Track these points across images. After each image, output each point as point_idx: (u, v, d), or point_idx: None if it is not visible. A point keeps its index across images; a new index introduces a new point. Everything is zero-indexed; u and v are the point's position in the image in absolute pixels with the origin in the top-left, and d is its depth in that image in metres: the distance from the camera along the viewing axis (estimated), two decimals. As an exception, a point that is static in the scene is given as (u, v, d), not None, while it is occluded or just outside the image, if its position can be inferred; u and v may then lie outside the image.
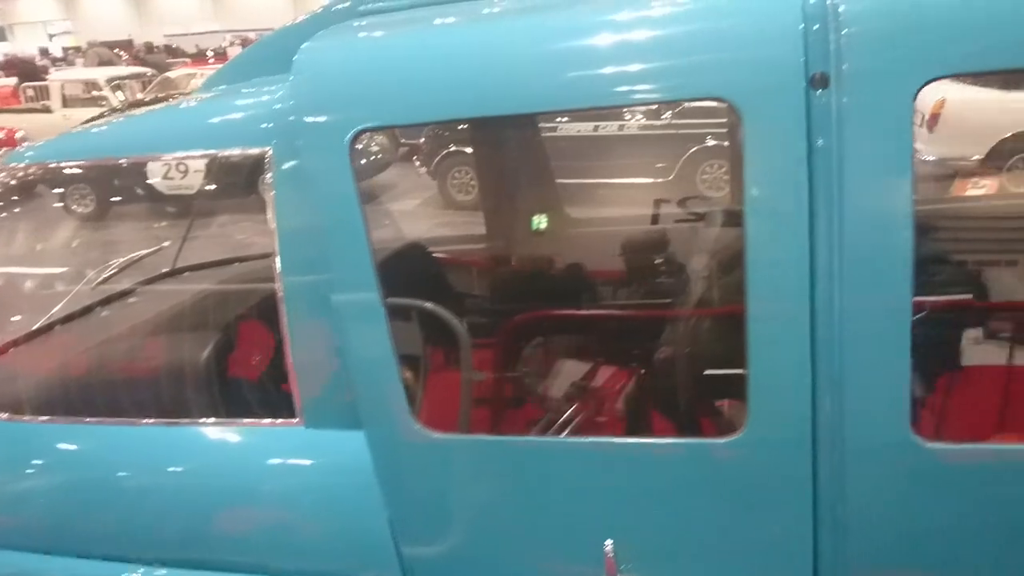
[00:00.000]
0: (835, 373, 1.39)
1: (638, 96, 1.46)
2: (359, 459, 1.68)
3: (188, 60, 24.02)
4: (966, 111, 7.19)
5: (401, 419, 1.60)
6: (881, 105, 1.32)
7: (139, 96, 12.40)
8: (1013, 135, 7.06)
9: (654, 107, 7.42)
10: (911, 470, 1.40)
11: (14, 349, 2.40)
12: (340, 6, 1.88)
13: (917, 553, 1.47)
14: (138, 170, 9.02)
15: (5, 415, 2.00)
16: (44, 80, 14.59)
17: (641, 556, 1.56)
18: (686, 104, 7.00)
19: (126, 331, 2.53)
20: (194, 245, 3.20)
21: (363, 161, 9.50)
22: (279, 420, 1.79)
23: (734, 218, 2.14)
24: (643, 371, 2.06)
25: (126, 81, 12.91)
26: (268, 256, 1.73)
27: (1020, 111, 6.98)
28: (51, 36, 38.58)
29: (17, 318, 2.73)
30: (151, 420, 1.89)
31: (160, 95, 11.40)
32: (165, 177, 9.28)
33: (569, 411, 1.96)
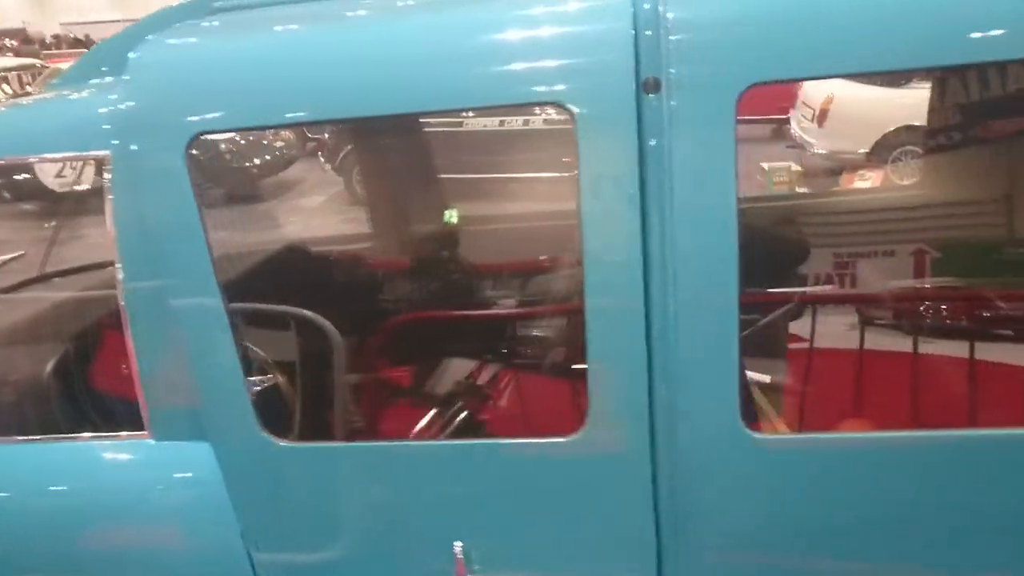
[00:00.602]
0: (670, 368, 1.43)
1: (477, 100, 1.46)
2: (209, 471, 1.65)
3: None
4: (853, 107, 7.53)
5: (246, 429, 1.57)
6: (707, 108, 1.35)
7: (28, 89, 11.79)
8: (896, 129, 7.41)
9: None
10: (742, 461, 1.45)
11: None
12: (189, 3, 1.82)
13: (753, 540, 1.52)
14: (27, 169, 8.62)
15: None
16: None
17: (490, 556, 1.57)
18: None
19: None
20: (80, 245, 3.04)
21: (265, 158, 9.30)
22: (126, 433, 1.73)
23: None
24: (505, 372, 2.07)
25: (13, 73, 12.23)
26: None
27: (902, 107, 7.34)
28: (-66, 24, 36.22)
29: None
30: None
31: (50, 88, 10.84)
32: (58, 176, 8.87)
33: (434, 413, 1.96)
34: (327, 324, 1.94)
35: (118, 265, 1.64)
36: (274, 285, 2.27)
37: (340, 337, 1.91)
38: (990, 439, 1.43)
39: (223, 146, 8.85)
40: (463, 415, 1.93)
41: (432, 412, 1.95)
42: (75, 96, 1.83)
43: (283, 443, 1.57)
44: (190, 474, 1.67)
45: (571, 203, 1.41)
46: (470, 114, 7.88)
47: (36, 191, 8.73)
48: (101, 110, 1.69)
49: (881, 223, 3.22)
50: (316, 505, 1.62)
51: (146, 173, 1.53)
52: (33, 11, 34.76)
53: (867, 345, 2.65)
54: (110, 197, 1.63)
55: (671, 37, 1.35)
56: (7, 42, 24.60)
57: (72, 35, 29.21)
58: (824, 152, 7.80)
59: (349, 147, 8.29)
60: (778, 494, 1.46)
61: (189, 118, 1.49)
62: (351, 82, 1.47)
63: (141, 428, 1.71)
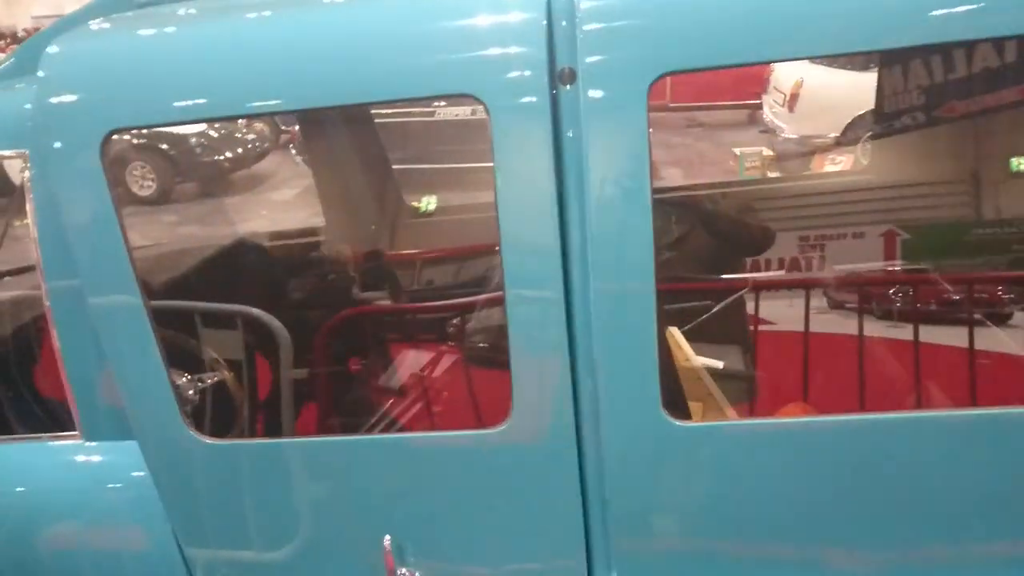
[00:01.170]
0: (592, 356, 1.43)
1: (391, 93, 1.45)
2: (138, 469, 1.64)
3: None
4: (822, 91, 7.54)
5: (171, 427, 1.56)
6: (620, 98, 1.35)
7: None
8: (864, 112, 7.42)
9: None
10: (664, 448, 1.46)
11: None
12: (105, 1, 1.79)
13: (680, 527, 1.54)
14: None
15: None
16: None
17: (420, 549, 1.58)
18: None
19: None
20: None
21: (238, 150, 9.21)
22: (57, 434, 1.72)
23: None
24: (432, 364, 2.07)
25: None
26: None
27: (872, 90, 7.35)
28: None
29: None
30: None
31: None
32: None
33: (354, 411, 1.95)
34: (267, 317, 1.93)
35: (40, 265, 1.63)
36: (196, 282, 2.25)
37: (277, 332, 1.90)
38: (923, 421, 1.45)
39: (193, 139, 8.78)
40: (390, 408, 1.94)
41: (359, 406, 1.95)
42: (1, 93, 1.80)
43: (207, 440, 1.56)
44: (121, 473, 1.66)
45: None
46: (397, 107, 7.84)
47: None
48: (23, 107, 1.67)
49: (843, 206, 3.24)
50: (243, 501, 1.61)
51: (62, 171, 1.51)
52: (5, 5, 34.22)
53: (833, 328, 2.67)
54: (30, 196, 1.61)
55: (584, 27, 1.34)
56: (-22, 37, 24.22)
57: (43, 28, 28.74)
58: (795, 136, 7.82)
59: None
60: (701, 480, 1.47)
61: (103, 115, 1.47)
62: (260, 76, 1.45)
63: (73, 429, 1.70)
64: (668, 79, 1.39)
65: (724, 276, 2.63)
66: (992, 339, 2.42)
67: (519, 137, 1.38)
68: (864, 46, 1.31)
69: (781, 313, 2.80)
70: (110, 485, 1.69)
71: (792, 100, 7.60)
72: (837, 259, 3.15)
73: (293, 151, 8.83)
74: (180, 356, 1.75)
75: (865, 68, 7.47)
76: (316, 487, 1.58)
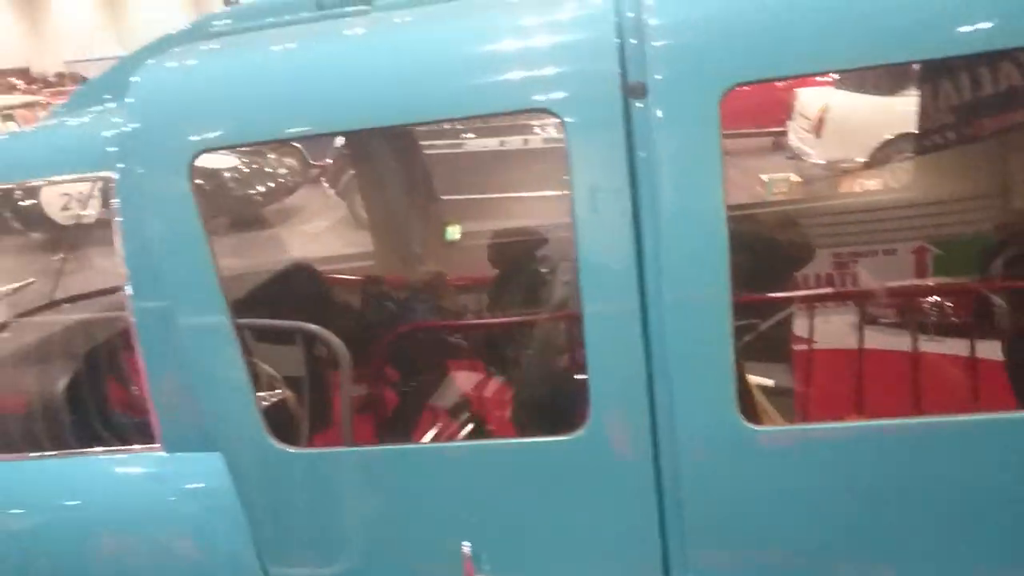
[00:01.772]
0: (668, 366, 1.46)
1: (469, 109, 1.51)
2: (220, 481, 1.68)
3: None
4: (849, 116, 7.57)
5: (255, 438, 1.61)
6: (691, 110, 1.40)
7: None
8: (893, 136, 7.44)
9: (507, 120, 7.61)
10: (739, 451, 1.48)
11: None
12: (187, 29, 1.88)
13: (753, 527, 1.55)
14: (32, 201, 8.74)
15: None
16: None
17: (499, 556, 1.60)
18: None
19: None
20: (71, 280, 3.09)
21: (269, 184, 9.42)
22: (138, 447, 1.77)
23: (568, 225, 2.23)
24: (508, 376, 2.11)
25: (18, 110, 12.39)
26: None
27: (898, 114, 7.37)
28: (-60, 65, 36.64)
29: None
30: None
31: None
32: (63, 209, 8.97)
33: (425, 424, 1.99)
34: (331, 337, 1.98)
35: (127, 284, 1.69)
36: (278, 301, 2.32)
37: (344, 349, 1.95)
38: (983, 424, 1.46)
39: (228, 174, 8.98)
40: (467, 421, 1.97)
41: (438, 420, 1.99)
42: (78, 121, 1.89)
43: (292, 450, 1.60)
44: (203, 485, 1.70)
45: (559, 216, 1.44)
46: (469, 135, 7.99)
47: (42, 224, 8.84)
48: (105, 133, 1.75)
49: (879, 223, 3.26)
50: (329, 511, 1.65)
51: (151, 192, 1.57)
52: (37, 50, 35.18)
53: (870, 344, 2.67)
54: (118, 219, 1.68)
55: (654, 43, 1.39)
56: (13, 81, 24.92)
57: (75, 72, 29.56)
58: (822, 161, 7.83)
59: (352, 172, 8.41)
60: (781, 484, 1.49)
61: (191, 136, 1.54)
62: (344, 95, 1.52)
63: (154, 441, 1.75)
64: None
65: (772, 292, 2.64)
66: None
67: (594, 150, 1.43)
68: (925, 54, 1.35)
69: (820, 329, 2.81)
70: (190, 498, 1.73)
71: (818, 125, 7.63)
72: (871, 275, 3.17)
73: (325, 184, 8.97)
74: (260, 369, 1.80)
75: (891, 92, 7.52)
76: (399, 495, 1.61)
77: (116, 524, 1.76)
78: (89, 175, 1.72)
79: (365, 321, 2.44)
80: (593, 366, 1.47)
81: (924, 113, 3.09)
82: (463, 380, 2.10)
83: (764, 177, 7.79)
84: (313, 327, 1.95)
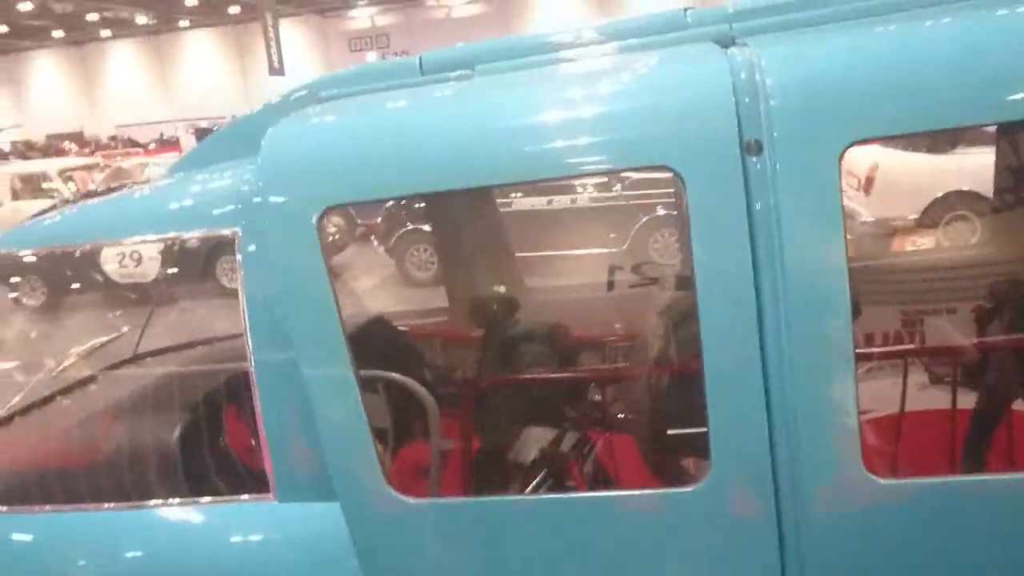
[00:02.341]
0: (789, 419, 1.47)
1: (589, 167, 1.57)
2: (334, 531, 1.70)
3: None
4: (899, 174, 7.58)
5: (375, 488, 1.63)
6: (810, 167, 1.44)
7: (91, 187, 12.39)
8: (945, 195, 7.43)
9: (604, 180, 7.76)
10: (867, 504, 1.47)
11: None
12: (299, 94, 1.97)
13: None
14: (91, 261, 9.02)
15: None
16: (-8, 174, 14.47)
17: None
18: (634, 176, 7.37)
19: (88, 419, 2.51)
20: (152, 332, 3.19)
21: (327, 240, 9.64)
22: (250, 496, 1.80)
23: (684, 281, 2.25)
24: (608, 432, 2.12)
25: (77, 171, 12.89)
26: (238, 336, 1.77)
27: (948, 172, 7.38)
28: (-1, 130, 38.35)
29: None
30: (112, 505, 1.88)
31: (113, 185, 11.43)
32: (120, 265, 9.23)
33: (538, 476, 2.00)
34: (425, 395, 2.00)
35: (247, 335, 1.74)
36: (392, 353, 2.36)
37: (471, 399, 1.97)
38: None
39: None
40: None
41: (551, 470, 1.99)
42: (199, 179, 1.98)
43: (414, 501, 1.62)
44: (316, 535, 1.72)
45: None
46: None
47: (99, 282, 9.12)
48: (229, 191, 1.83)
49: (941, 282, 3.24)
50: (447, 563, 1.65)
51: (279, 246, 1.64)
52: (90, 115, 36.68)
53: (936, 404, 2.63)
54: (240, 273, 1.75)
55: (770, 102, 1.44)
56: (68, 144, 25.94)
57: (126, 135, 30.72)
58: (872, 220, 7.82)
59: (403, 229, 8.58)
60: (901, 534, 1.47)
61: (320, 192, 1.61)
62: (466, 154, 1.58)
63: (267, 491, 1.78)
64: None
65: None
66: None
67: (712, 205, 1.47)
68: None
69: (884, 395, 2.77)
70: (302, 548, 1.75)
71: (868, 183, 7.64)
72: (934, 334, 3.13)
73: (375, 242, 9.16)
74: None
75: (941, 151, 7.54)
76: (515, 545, 1.62)
77: (226, 573, 1.78)
78: (214, 232, 1.79)
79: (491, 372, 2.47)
80: (714, 419, 1.48)
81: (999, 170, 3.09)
82: (580, 431, 2.12)
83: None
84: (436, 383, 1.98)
